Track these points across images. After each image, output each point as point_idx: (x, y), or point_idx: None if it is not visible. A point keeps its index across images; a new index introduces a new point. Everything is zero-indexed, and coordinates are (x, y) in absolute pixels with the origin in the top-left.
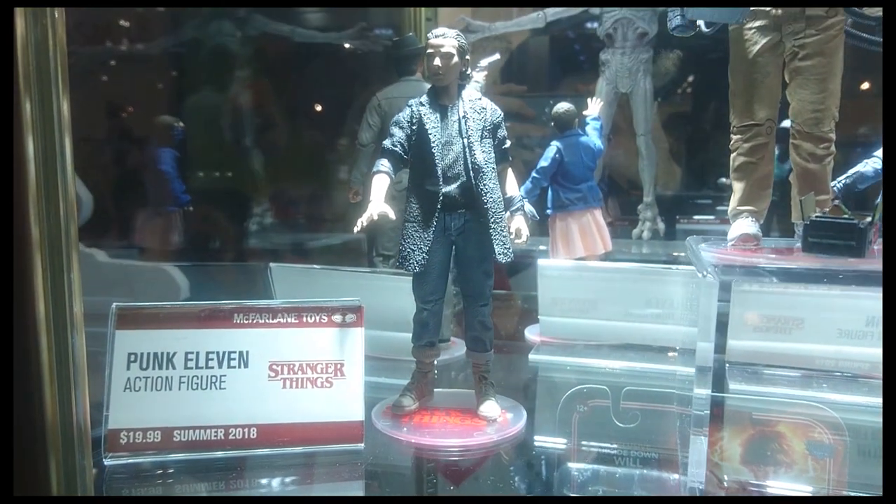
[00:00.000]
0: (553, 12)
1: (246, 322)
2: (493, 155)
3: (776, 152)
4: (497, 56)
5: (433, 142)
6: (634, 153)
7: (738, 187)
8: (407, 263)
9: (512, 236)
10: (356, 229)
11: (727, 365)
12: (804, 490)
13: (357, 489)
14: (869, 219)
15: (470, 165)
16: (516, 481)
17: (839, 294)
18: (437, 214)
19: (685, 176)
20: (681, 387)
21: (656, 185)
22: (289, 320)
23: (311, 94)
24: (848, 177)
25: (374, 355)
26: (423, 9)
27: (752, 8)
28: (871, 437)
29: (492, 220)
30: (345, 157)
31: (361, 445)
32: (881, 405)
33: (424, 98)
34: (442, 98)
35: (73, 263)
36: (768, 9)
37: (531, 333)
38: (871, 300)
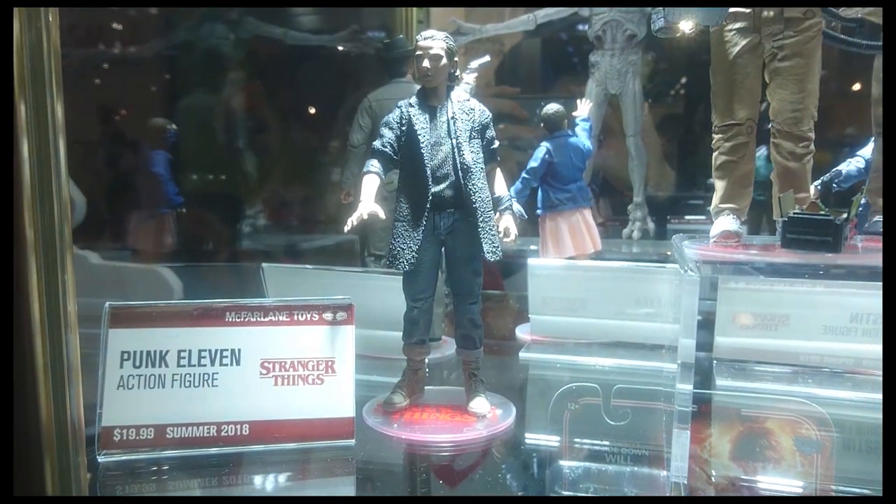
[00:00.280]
0: (543, 14)
1: (238, 320)
2: (481, 155)
3: (765, 153)
4: (487, 58)
5: (422, 142)
6: (626, 154)
7: (719, 185)
8: (397, 262)
9: (500, 235)
10: (346, 229)
11: (715, 361)
12: (790, 484)
13: (348, 485)
14: (845, 215)
15: (459, 165)
16: (505, 476)
17: (824, 291)
18: (426, 214)
19: (677, 176)
20: (668, 384)
21: (647, 185)
22: (280, 318)
23: (303, 95)
24: (832, 175)
25: (366, 354)
26: (414, 11)
27: (730, 10)
28: (857, 431)
29: (480, 219)
30: (337, 158)
31: (352, 441)
32: (867, 400)
33: (414, 99)
34: (431, 99)
35: (67, 265)
36: (748, 11)
37: (522, 332)
38: (856, 297)
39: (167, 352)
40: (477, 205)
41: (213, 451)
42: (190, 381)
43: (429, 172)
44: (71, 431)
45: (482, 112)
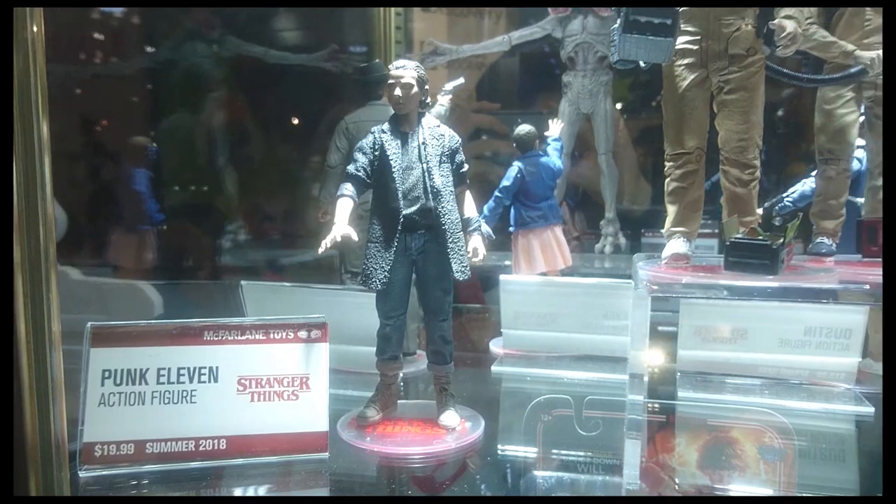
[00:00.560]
0: (518, 35)
1: (216, 339)
2: (451, 179)
3: None
4: (462, 80)
5: (394, 167)
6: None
7: (671, 210)
8: (370, 281)
9: (469, 255)
10: (320, 250)
11: (678, 374)
12: (748, 491)
13: (322, 495)
14: (781, 240)
15: (429, 189)
16: (473, 486)
17: (779, 306)
18: (398, 235)
19: (652, 190)
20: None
21: (622, 200)
22: (257, 337)
23: (284, 113)
24: (789, 195)
25: (342, 368)
26: (392, 32)
27: (679, 46)
28: (812, 439)
29: (450, 240)
30: (318, 174)
31: (326, 455)
32: (823, 410)
33: (386, 125)
34: (403, 125)
35: (51, 284)
36: (695, 47)
37: (495, 346)
38: (809, 311)
39: (147, 370)
40: (446, 226)
41: (192, 465)
42: (169, 398)
43: (400, 195)
44: (55, 447)
45: (452, 137)
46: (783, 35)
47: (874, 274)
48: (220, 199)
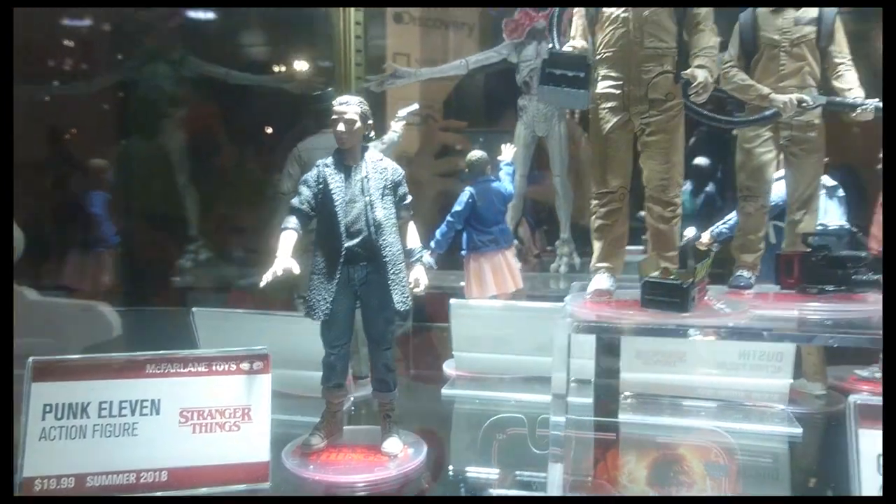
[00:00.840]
0: (475, 60)
1: (158, 372)
2: (393, 211)
3: (689, 187)
4: (416, 106)
5: (337, 201)
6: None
7: (596, 246)
8: (313, 312)
9: (411, 286)
10: (262, 283)
11: (622, 395)
12: None
13: None
14: (692, 279)
15: (371, 222)
16: None
17: None
18: (340, 267)
19: None
20: (578, 415)
21: (585, 216)
22: (199, 369)
23: (246, 132)
24: (724, 223)
25: (294, 393)
26: (353, 54)
27: (601, 91)
28: (745, 456)
29: (391, 272)
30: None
31: (268, 484)
32: (759, 431)
33: (330, 160)
34: (346, 159)
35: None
36: (618, 92)
37: (448, 367)
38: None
39: (88, 403)
40: (388, 259)
41: (133, 497)
42: (110, 432)
43: (343, 228)
44: None
45: (395, 171)
46: (694, 84)
47: (785, 308)
48: (181, 219)
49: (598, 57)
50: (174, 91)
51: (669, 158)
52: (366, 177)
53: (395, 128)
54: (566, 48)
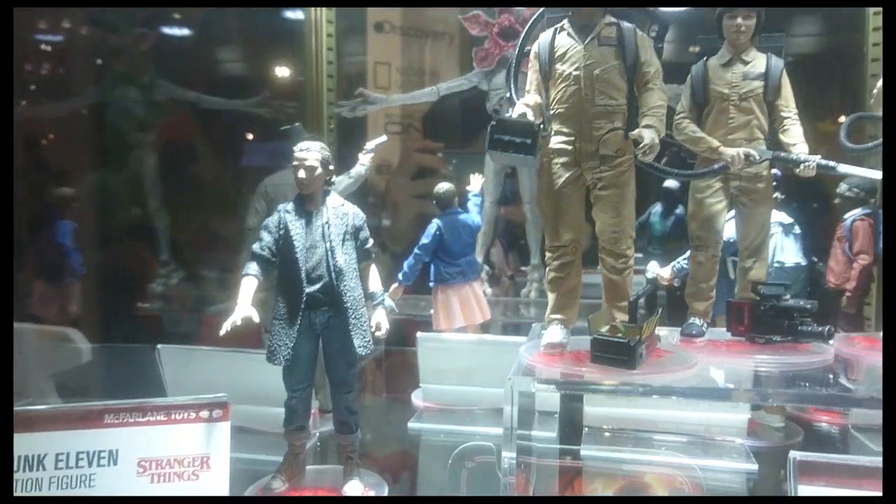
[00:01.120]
0: (446, 87)
1: (117, 421)
2: (354, 256)
3: (659, 209)
4: (384, 138)
5: (297, 247)
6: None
7: (550, 297)
8: (274, 358)
9: (372, 329)
10: (221, 332)
11: (585, 429)
12: None
13: None
14: (639, 336)
15: (332, 267)
16: None
17: None
18: (301, 312)
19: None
20: (541, 451)
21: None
22: (158, 418)
23: (217, 157)
24: (685, 258)
25: (260, 429)
26: (325, 79)
27: (554, 147)
28: (705, 491)
29: (352, 316)
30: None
31: None
32: (718, 467)
33: (291, 205)
34: (308, 204)
35: None
36: (570, 147)
37: (416, 398)
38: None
39: (45, 455)
40: (348, 304)
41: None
42: (67, 483)
43: (304, 274)
44: None
45: (356, 216)
46: (641, 145)
47: (734, 358)
48: (151, 244)
49: (550, 112)
50: (144, 115)
51: (620, 212)
52: (327, 222)
53: (363, 161)
54: (518, 105)
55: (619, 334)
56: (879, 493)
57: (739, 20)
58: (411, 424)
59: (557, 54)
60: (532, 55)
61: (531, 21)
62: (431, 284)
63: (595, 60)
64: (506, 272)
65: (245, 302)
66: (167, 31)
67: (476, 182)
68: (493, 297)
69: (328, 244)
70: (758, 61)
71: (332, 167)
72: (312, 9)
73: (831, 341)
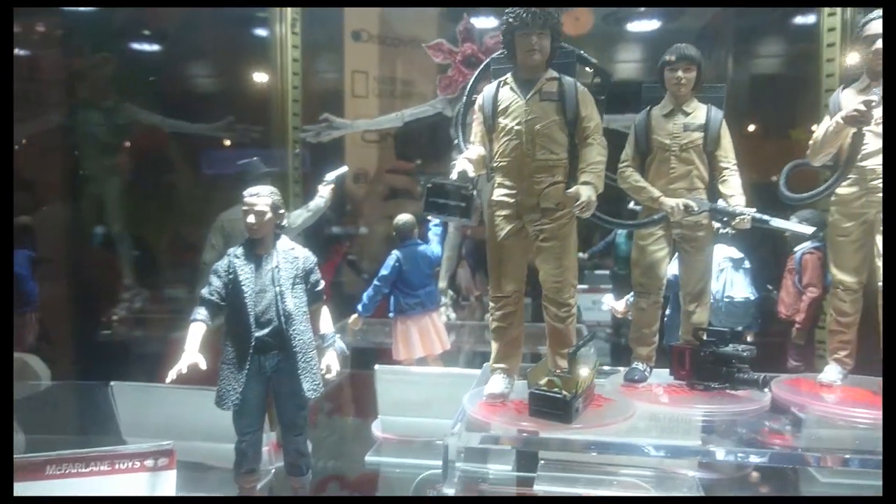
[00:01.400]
0: (410, 113)
1: (59, 473)
2: (304, 300)
3: (625, 231)
4: (345, 168)
5: (247, 291)
6: None
7: (493, 346)
8: (223, 403)
9: (323, 372)
10: (168, 380)
11: (542, 461)
12: None
13: None
14: (574, 391)
15: (281, 312)
16: None
17: None
18: (250, 357)
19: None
20: (495, 481)
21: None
22: (101, 468)
23: (181, 180)
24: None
25: (217, 466)
26: (290, 104)
27: (497, 199)
28: None
29: (301, 360)
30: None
31: None
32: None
33: (240, 249)
34: (258, 248)
35: None
36: (511, 200)
37: (376, 428)
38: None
39: None
40: (298, 348)
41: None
42: None
43: (252, 318)
44: None
45: (306, 259)
46: (578, 202)
47: (674, 405)
48: (114, 268)
49: (493, 165)
50: (107, 139)
51: (562, 263)
52: (276, 266)
53: (323, 193)
54: (460, 161)
55: (556, 389)
56: None
57: (680, 73)
58: (369, 458)
59: (500, 108)
60: (476, 107)
61: (476, 73)
62: (391, 315)
63: (536, 115)
64: (473, 292)
65: (192, 348)
66: (131, 52)
67: None
68: (459, 320)
69: (278, 288)
70: (698, 112)
71: (282, 211)
72: (278, 29)
73: (766, 389)
